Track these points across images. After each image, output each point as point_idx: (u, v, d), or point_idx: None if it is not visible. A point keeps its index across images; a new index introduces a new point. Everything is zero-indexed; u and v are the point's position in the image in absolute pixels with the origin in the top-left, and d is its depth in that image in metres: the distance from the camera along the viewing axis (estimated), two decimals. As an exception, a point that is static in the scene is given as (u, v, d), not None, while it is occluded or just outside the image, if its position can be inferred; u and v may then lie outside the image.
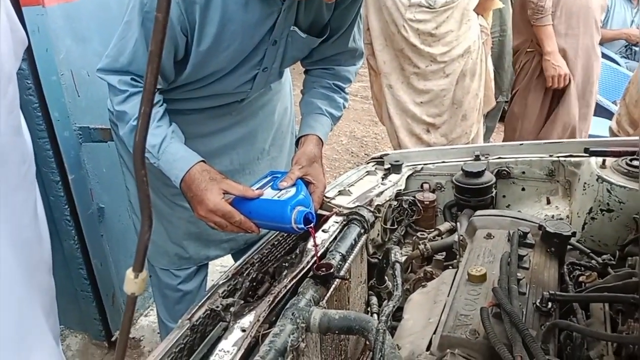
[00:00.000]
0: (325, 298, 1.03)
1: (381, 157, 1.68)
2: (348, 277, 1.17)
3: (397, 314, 1.15)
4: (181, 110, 1.39)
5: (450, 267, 1.28)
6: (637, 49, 4.48)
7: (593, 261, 1.22)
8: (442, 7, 2.57)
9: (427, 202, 1.52)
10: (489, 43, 2.97)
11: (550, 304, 0.95)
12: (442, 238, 1.45)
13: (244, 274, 1.12)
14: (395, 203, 1.51)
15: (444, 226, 1.50)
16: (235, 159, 1.55)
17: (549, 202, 1.56)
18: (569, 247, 1.20)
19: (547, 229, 1.15)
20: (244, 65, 1.30)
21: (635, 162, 1.34)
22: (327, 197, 1.36)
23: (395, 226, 1.51)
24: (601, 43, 4.43)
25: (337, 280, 1.08)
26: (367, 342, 0.92)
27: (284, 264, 1.14)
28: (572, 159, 1.53)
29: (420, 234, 1.45)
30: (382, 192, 1.46)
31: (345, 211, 1.30)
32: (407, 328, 1.07)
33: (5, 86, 0.93)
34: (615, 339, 0.93)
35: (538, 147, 1.62)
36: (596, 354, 0.91)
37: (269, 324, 0.95)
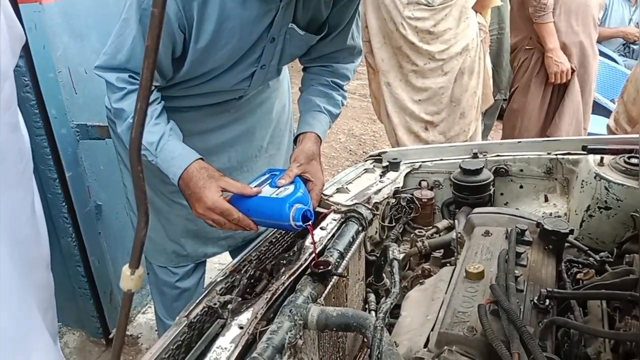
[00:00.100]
0: (323, 295, 1.03)
1: (379, 154, 1.68)
2: (346, 274, 1.17)
3: (395, 311, 1.15)
4: (179, 107, 1.38)
5: (448, 264, 1.28)
6: (635, 47, 4.49)
7: (591, 259, 1.22)
8: (440, 5, 2.57)
9: (425, 200, 1.52)
10: (487, 41, 2.97)
11: (547, 301, 0.95)
12: (440, 235, 1.45)
13: (242, 271, 1.11)
14: (393, 201, 1.51)
15: (442, 224, 1.50)
16: (234, 156, 1.54)
17: (547, 200, 1.56)
18: (566, 244, 1.20)
19: (545, 226, 1.15)
20: (242, 62, 1.29)
21: (634, 160, 1.34)
22: (325, 195, 1.36)
23: (393, 224, 1.51)
24: (599, 41, 4.44)
25: (335, 277, 1.07)
26: (365, 339, 0.92)
27: (281, 262, 1.14)
28: (570, 157, 1.53)
29: (418, 232, 1.45)
30: (380, 190, 1.46)
31: (343, 209, 1.30)
32: (404, 325, 1.07)
33: (2, 83, 0.93)
34: (612, 336, 0.93)
35: (536, 144, 1.62)
36: (593, 351, 0.91)
37: (267, 321, 0.95)
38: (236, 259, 1.15)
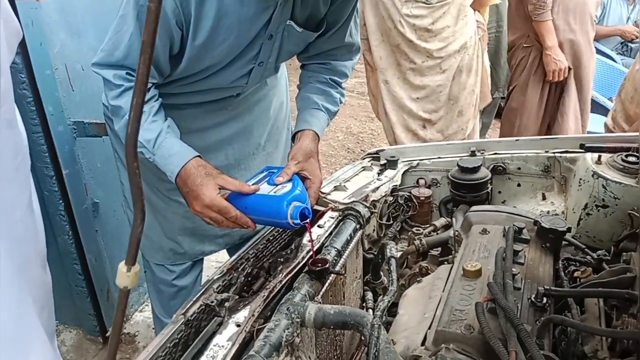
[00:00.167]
0: (321, 293, 1.03)
1: (377, 152, 1.68)
2: (343, 272, 1.17)
3: (392, 309, 1.15)
4: (177, 104, 1.38)
5: (445, 262, 1.28)
6: (632, 45, 4.49)
7: (588, 257, 1.22)
8: (438, 3, 2.57)
9: (423, 198, 1.52)
10: (486, 39, 2.97)
11: (545, 299, 0.95)
12: (437, 233, 1.45)
13: (239, 269, 1.11)
14: (391, 199, 1.51)
15: (440, 222, 1.50)
16: (231, 154, 1.54)
17: (544, 198, 1.56)
18: (564, 242, 1.20)
19: (543, 224, 1.15)
20: (240, 59, 1.29)
21: (631, 158, 1.34)
22: (322, 193, 1.36)
23: (391, 222, 1.51)
24: (597, 39, 4.46)
25: (332, 275, 1.07)
26: (362, 337, 0.92)
27: (279, 259, 1.14)
28: (568, 155, 1.53)
29: (416, 230, 1.45)
30: (377, 188, 1.46)
31: (341, 206, 1.30)
32: (402, 323, 1.07)
33: None
34: (609, 334, 0.93)
35: (534, 142, 1.62)
36: (590, 348, 0.91)
37: (264, 319, 0.94)
38: (233, 257, 1.15)
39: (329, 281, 1.07)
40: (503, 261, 1.02)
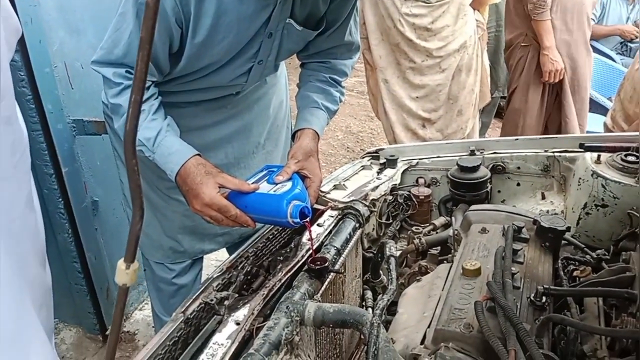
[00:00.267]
0: (320, 292, 1.03)
1: (376, 151, 1.68)
2: (343, 271, 1.17)
3: (392, 308, 1.15)
4: (176, 103, 1.38)
5: (445, 261, 1.28)
6: (632, 45, 4.49)
7: (587, 256, 1.22)
8: (438, 2, 2.56)
9: (422, 197, 1.52)
10: (485, 38, 2.97)
11: (544, 298, 0.95)
12: (437, 232, 1.45)
13: (239, 268, 1.11)
14: (390, 197, 1.51)
15: (439, 221, 1.50)
16: (231, 152, 1.54)
17: (543, 197, 1.56)
18: (563, 241, 1.20)
19: (542, 223, 1.15)
20: (239, 57, 1.29)
21: (631, 158, 1.34)
22: (322, 192, 1.36)
23: (391, 220, 1.51)
24: (596, 39, 4.46)
25: (331, 274, 1.07)
26: (362, 336, 0.92)
27: (278, 258, 1.14)
28: (567, 154, 1.53)
29: (415, 229, 1.45)
30: (377, 187, 1.46)
31: (341, 205, 1.30)
32: (401, 322, 1.07)
33: None
34: (608, 333, 0.93)
35: (533, 142, 1.62)
36: (590, 348, 0.91)
37: (264, 318, 0.94)
38: (233, 255, 1.15)
39: (328, 280, 1.07)
40: (502, 260, 1.02)
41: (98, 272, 2.17)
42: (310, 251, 1.09)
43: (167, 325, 0.93)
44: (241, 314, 0.93)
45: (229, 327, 0.90)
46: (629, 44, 4.52)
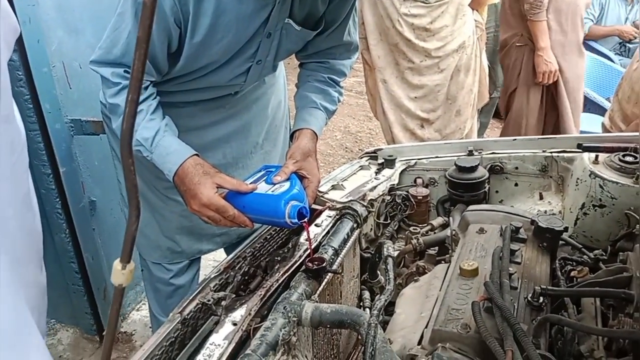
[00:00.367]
0: (318, 292, 1.03)
1: (375, 151, 1.68)
2: (340, 271, 1.17)
3: (390, 309, 1.15)
4: (174, 103, 1.38)
5: (442, 261, 1.28)
6: (630, 45, 4.50)
7: (585, 256, 1.23)
8: (437, 2, 2.57)
9: (421, 197, 1.52)
10: (484, 38, 2.97)
11: (541, 299, 0.96)
12: (434, 233, 1.45)
13: (236, 268, 1.11)
14: (388, 198, 1.51)
15: (437, 221, 1.50)
16: (229, 152, 1.54)
17: (541, 198, 1.56)
18: (561, 242, 1.21)
19: (540, 224, 1.15)
20: (238, 57, 1.29)
21: (628, 158, 1.35)
22: (320, 192, 1.36)
23: (389, 221, 1.51)
24: (595, 40, 4.46)
25: (329, 274, 1.07)
26: (359, 337, 0.92)
27: (276, 258, 1.14)
28: (565, 155, 1.53)
29: (413, 229, 1.45)
30: (375, 187, 1.46)
31: (339, 205, 1.30)
32: (399, 322, 1.07)
33: None
34: (606, 334, 0.93)
35: (531, 142, 1.63)
36: (587, 348, 0.91)
37: (261, 318, 0.94)
38: (230, 256, 1.15)
39: (326, 280, 1.07)
40: (500, 260, 1.02)
41: (95, 272, 2.17)
42: (308, 251, 1.09)
43: (164, 325, 0.93)
44: (238, 314, 0.93)
45: (226, 328, 0.90)
46: (627, 44, 4.53)
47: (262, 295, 0.98)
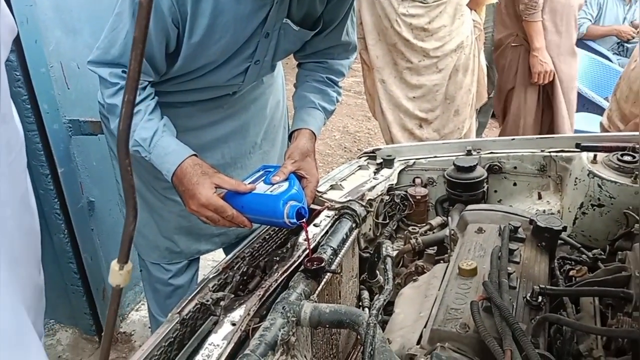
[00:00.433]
0: (316, 292, 1.03)
1: (373, 151, 1.68)
2: (339, 271, 1.17)
3: (388, 308, 1.15)
4: (172, 103, 1.37)
5: (441, 261, 1.28)
6: (629, 45, 4.50)
7: (583, 256, 1.23)
8: (435, 2, 2.57)
9: (419, 197, 1.52)
10: (482, 38, 2.97)
11: (540, 298, 0.95)
12: (433, 232, 1.45)
13: (235, 268, 1.11)
14: (387, 197, 1.51)
15: (436, 220, 1.50)
16: (227, 152, 1.54)
17: (540, 197, 1.57)
18: (559, 241, 1.21)
19: (538, 223, 1.15)
20: (236, 57, 1.29)
21: (627, 158, 1.35)
22: (319, 192, 1.36)
23: (387, 220, 1.51)
24: (593, 39, 4.47)
25: (328, 274, 1.07)
26: (358, 336, 0.92)
27: (275, 258, 1.14)
28: (564, 154, 1.53)
29: (412, 229, 1.45)
30: (374, 187, 1.46)
31: (337, 205, 1.30)
32: (397, 322, 1.07)
33: None
34: (604, 333, 0.93)
35: (530, 142, 1.63)
36: (586, 347, 0.91)
37: (260, 318, 0.94)
38: (229, 256, 1.15)
39: (324, 280, 1.07)
40: (498, 260, 1.02)
41: (94, 272, 2.17)
42: (307, 251, 1.09)
43: (162, 326, 0.93)
44: (237, 314, 0.93)
45: (225, 328, 0.90)
46: (625, 44, 4.53)
47: (260, 296, 0.98)
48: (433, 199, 1.60)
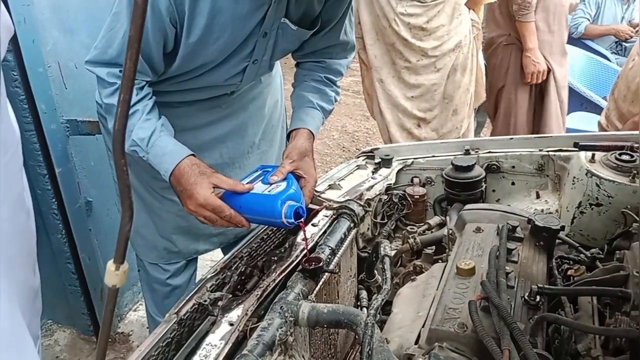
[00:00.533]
0: (314, 292, 1.03)
1: (372, 151, 1.68)
2: (337, 271, 1.17)
3: (387, 308, 1.15)
4: (170, 103, 1.37)
5: (439, 260, 1.28)
6: (627, 45, 4.51)
7: (582, 255, 1.23)
8: (433, 2, 2.56)
9: (417, 196, 1.52)
10: (480, 37, 2.97)
11: (538, 298, 0.95)
12: (431, 232, 1.45)
13: (233, 268, 1.11)
14: (385, 197, 1.51)
15: (434, 220, 1.50)
16: (225, 152, 1.53)
17: (538, 196, 1.57)
18: (558, 241, 1.21)
19: (536, 222, 1.15)
20: (234, 57, 1.28)
21: (625, 157, 1.35)
22: (317, 191, 1.36)
23: (385, 220, 1.51)
24: (591, 39, 4.48)
25: (326, 274, 1.07)
26: (356, 336, 0.92)
27: (273, 258, 1.14)
28: (562, 154, 1.53)
29: (410, 228, 1.45)
30: (372, 186, 1.46)
31: (335, 205, 1.30)
32: (396, 322, 1.07)
33: None
34: (602, 332, 0.93)
35: (528, 141, 1.63)
36: (584, 347, 0.91)
37: (257, 318, 0.94)
38: (227, 256, 1.15)
39: (322, 280, 1.07)
40: (496, 259, 1.02)
41: (92, 272, 2.16)
42: (305, 251, 1.09)
43: (160, 326, 0.93)
44: (235, 314, 0.93)
45: (223, 328, 0.90)
46: (623, 43, 4.54)
47: (258, 296, 0.98)
48: (431, 198, 1.60)
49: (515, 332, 0.82)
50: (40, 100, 1.83)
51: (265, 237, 1.24)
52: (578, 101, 3.76)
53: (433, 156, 1.63)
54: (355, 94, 5.44)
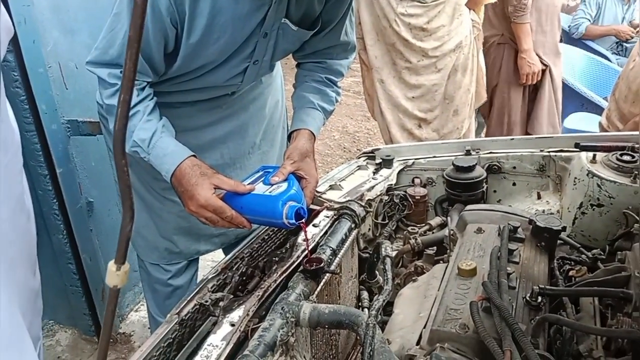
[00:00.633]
0: (316, 292, 1.03)
1: (372, 151, 1.68)
2: (338, 271, 1.17)
3: (388, 309, 1.15)
4: (171, 103, 1.37)
5: (440, 261, 1.28)
6: (627, 45, 4.51)
7: (583, 256, 1.23)
8: (433, 2, 2.56)
9: (418, 197, 1.52)
10: (481, 38, 2.97)
11: (540, 298, 0.95)
12: (432, 233, 1.45)
13: (234, 269, 1.11)
14: (386, 198, 1.51)
15: (435, 221, 1.50)
16: (226, 153, 1.53)
17: (539, 197, 1.56)
18: (559, 241, 1.20)
19: (538, 223, 1.15)
20: (235, 57, 1.28)
21: (626, 157, 1.35)
22: (318, 192, 1.36)
23: (387, 221, 1.51)
24: (592, 39, 4.47)
25: (327, 274, 1.07)
26: (358, 337, 0.92)
27: (274, 259, 1.14)
28: (563, 154, 1.53)
29: (411, 229, 1.45)
30: (373, 187, 1.46)
31: (336, 206, 1.30)
32: (397, 322, 1.07)
33: None
34: (604, 333, 0.93)
35: (529, 142, 1.63)
36: (585, 348, 0.91)
37: (259, 319, 0.94)
38: (228, 256, 1.15)
39: (324, 280, 1.07)
40: (498, 260, 1.02)
41: (93, 273, 2.16)
42: (306, 252, 1.09)
43: (161, 326, 0.93)
44: (236, 315, 0.93)
45: (224, 329, 0.90)
46: (624, 43, 4.54)
47: (260, 296, 0.98)
48: (432, 199, 1.60)
49: (517, 333, 0.82)
50: (41, 101, 1.83)
51: (266, 237, 1.24)
52: (579, 102, 3.76)
53: (434, 157, 1.63)
54: (356, 95, 5.44)
